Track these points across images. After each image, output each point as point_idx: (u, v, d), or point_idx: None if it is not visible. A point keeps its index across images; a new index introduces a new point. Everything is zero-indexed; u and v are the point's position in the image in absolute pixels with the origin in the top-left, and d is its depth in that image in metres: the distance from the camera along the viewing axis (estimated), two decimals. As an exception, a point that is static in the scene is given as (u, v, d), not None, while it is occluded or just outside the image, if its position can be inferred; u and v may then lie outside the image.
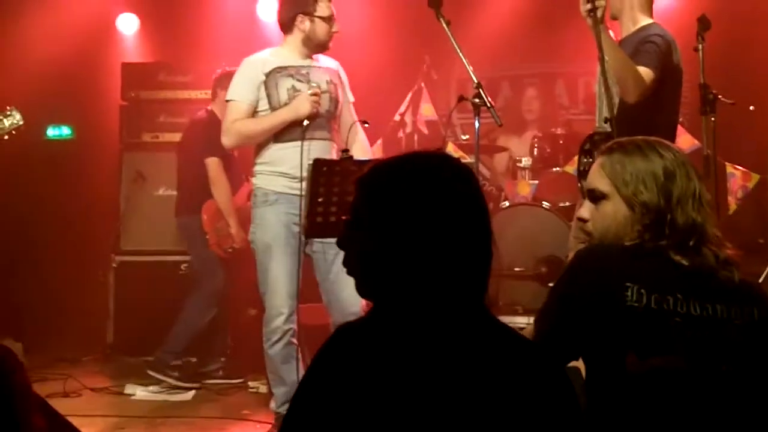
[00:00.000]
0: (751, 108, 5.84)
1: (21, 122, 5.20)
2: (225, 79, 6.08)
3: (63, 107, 7.48)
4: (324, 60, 4.72)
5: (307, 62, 4.62)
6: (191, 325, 5.97)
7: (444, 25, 4.33)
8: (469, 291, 1.76)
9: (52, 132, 7.54)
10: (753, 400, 2.11)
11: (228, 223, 5.88)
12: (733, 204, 5.80)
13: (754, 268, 5.81)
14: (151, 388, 5.79)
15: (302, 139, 4.42)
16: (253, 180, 4.69)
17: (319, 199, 3.61)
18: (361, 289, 1.83)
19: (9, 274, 6.94)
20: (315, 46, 4.63)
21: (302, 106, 4.44)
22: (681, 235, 2.17)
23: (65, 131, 7.57)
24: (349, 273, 1.84)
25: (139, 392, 5.74)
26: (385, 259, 1.75)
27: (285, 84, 4.54)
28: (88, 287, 6.93)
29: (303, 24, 4.59)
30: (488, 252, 1.79)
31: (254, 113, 4.57)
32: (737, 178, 5.84)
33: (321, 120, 4.53)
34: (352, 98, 4.83)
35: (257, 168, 4.65)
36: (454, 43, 4.32)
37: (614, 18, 4.26)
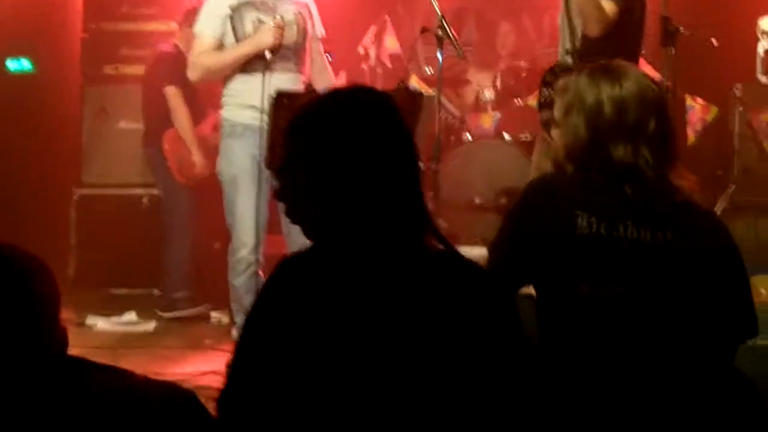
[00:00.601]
0: (714, 41, 5.87)
1: None
2: (192, 15, 6.04)
3: (23, 39, 7.30)
4: None
5: None
6: (180, 253, 6.00)
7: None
8: (406, 219, 1.79)
9: (11, 65, 7.37)
10: (698, 328, 2.17)
11: (190, 151, 5.88)
12: (691, 136, 5.87)
13: (711, 198, 5.93)
14: (113, 319, 5.81)
15: (265, 70, 4.40)
16: (221, 111, 4.67)
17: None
18: (308, 232, 1.85)
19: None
20: None
21: (265, 38, 4.40)
22: (616, 167, 2.20)
23: (25, 64, 7.41)
24: (294, 221, 1.85)
25: (101, 323, 5.76)
26: (322, 199, 1.77)
27: (250, 16, 4.49)
28: (50, 221, 6.90)
29: None
30: (416, 179, 1.82)
31: (221, 47, 4.53)
32: (696, 110, 5.90)
33: (287, 52, 4.49)
34: (322, 33, 4.78)
35: (224, 99, 4.63)
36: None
37: None
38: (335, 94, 1.91)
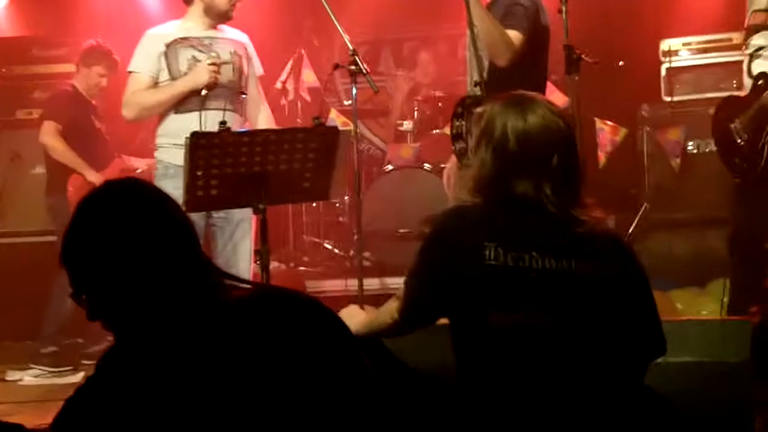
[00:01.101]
0: (620, 63, 6.04)
1: None
2: (90, 54, 6.00)
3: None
4: (229, 31, 4.65)
5: (210, 33, 4.55)
6: (59, 308, 5.78)
7: (321, -7, 4.37)
8: (194, 282, 1.92)
9: None
10: (607, 350, 2.22)
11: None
12: (602, 158, 6.01)
13: (626, 216, 6.07)
14: (36, 371, 5.66)
15: (201, 109, 4.38)
16: (156, 153, 4.62)
17: (198, 173, 3.58)
18: (94, 317, 1.95)
19: None
20: (216, 16, 4.54)
21: (200, 76, 4.38)
22: (519, 201, 2.25)
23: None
24: (80, 304, 1.95)
25: (27, 378, 5.62)
26: (113, 291, 1.88)
27: (185, 54, 4.47)
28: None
29: None
30: (190, 245, 1.96)
31: (155, 85, 4.51)
32: (606, 132, 6.05)
33: (223, 90, 4.45)
34: (260, 71, 4.79)
35: (158, 141, 4.58)
36: (329, 10, 4.37)
37: None
38: (101, 191, 2.00)
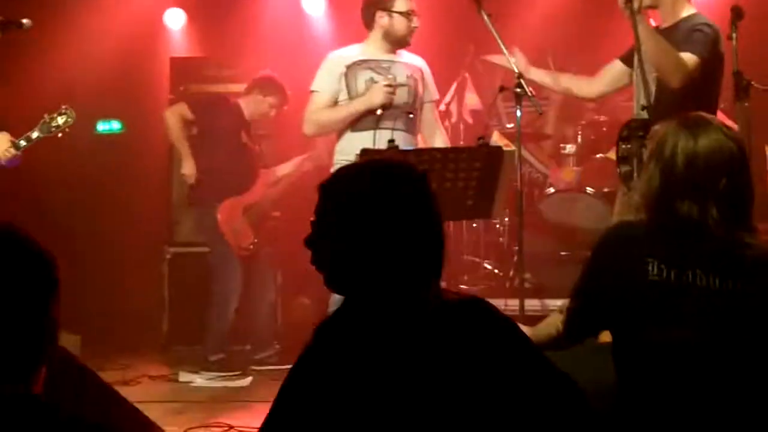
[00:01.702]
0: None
1: (74, 119, 5.35)
2: (268, 84, 6.22)
3: (113, 102, 7.59)
4: (407, 56, 4.88)
5: (389, 57, 4.79)
6: (220, 319, 6.03)
7: (485, 18, 4.45)
8: (425, 280, 1.96)
9: (102, 127, 7.62)
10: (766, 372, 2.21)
11: (244, 223, 6.00)
12: (772, 183, 5.83)
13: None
14: (207, 375, 5.90)
15: (375, 128, 4.55)
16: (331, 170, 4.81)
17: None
18: (330, 283, 2.01)
19: (66, 268, 7.10)
20: (395, 41, 4.80)
21: (376, 96, 4.59)
22: (684, 222, 2.26)
23: (115, 126, 7.64)
24: (318, 269, 2.01)
25: (198, 380, 5.87)
26: (350, 257, 1.94)
27: (364, 76, 4.72)
28: (144, 279, 7.10)
29: (382, 19, 4.76)
30: (438, 244, 2.00)
31: (335, 104, 4.74)
32: (776, 159, 5.87)
33: (397, 111, 4.67)
34: (435, 96, 4.98)
35: (335, 158, 4.80)
36: (495, 35, 4.44)
37: (653, 7, 4.32)
38: (372, 164, 2.09)
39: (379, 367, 1.86)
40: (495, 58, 4.56)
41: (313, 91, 4.80)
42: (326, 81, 4.75)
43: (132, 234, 7.43)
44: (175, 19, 7.98)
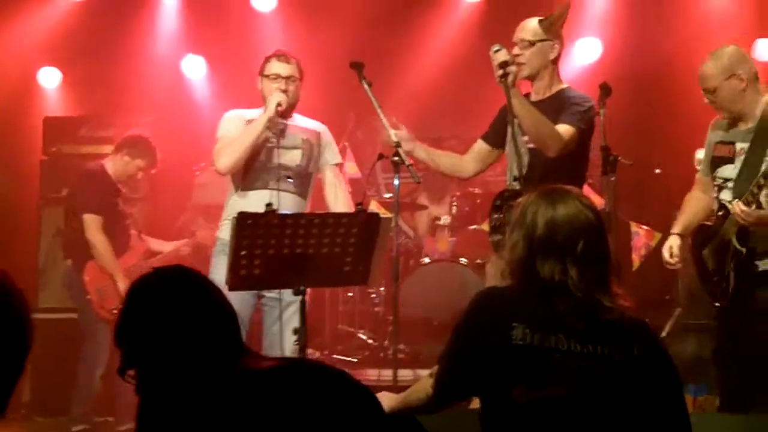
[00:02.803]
0: (657, 171, 6.12)
1: None
2: (136, 145, 6.07)
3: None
4: (303, 120, 4.83)
5: (283, 120, 4.70)
6: (86, 387, 5.89)
7: (365, 86, 4.51)
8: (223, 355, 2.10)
9: (-31, 187, 7.44)
10: (630, 427, 2.30)
11: (112, 284, 5.83)
12: (636, 261, 6.04)
13: (659, 322, 6.06)
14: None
15: (264, 188, 4.56)
16: (217, 232, 4.76)
17: (243, 252, 3.68)
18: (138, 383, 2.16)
19: None
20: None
21: (270, 101, 4.56)
22: (546, 283, 2.37)
23: (-18, 185, 7.48)
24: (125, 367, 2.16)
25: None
26: (150, 358, 2.10)
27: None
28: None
29: (259, 83, 4.74)
30: (222, 323, 2.16)
31: None
32: (641, 236, 6.09)
33: (287, 173, 4.63)
34: (337, 159, 4.95)
35: (222, 220, 4.72)
36: (374, 103, 4.50)
37: (529, 78, 4.46)
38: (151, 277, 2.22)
39: None
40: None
41: (219, 137, 4.69)
42: (231, 128, 4.68)
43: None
44: (50, 78, 7.85)
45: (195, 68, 7.88)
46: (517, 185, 3.93)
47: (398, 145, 4.44)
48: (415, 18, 7.47)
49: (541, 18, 4.44)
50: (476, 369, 2.37)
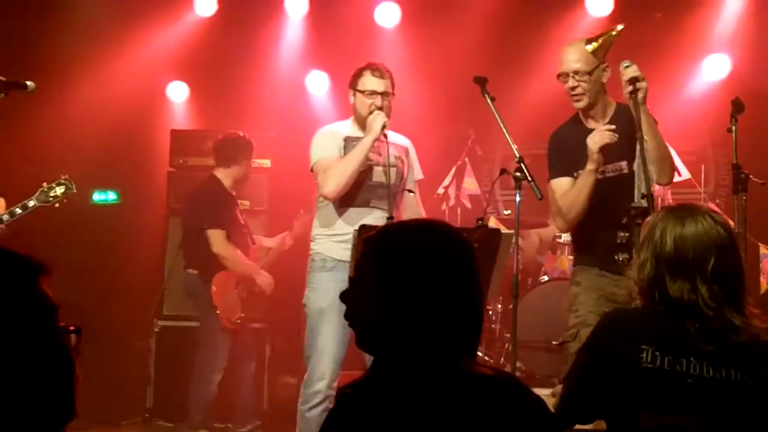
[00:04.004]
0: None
1: (73, 190, 5.26)
2: (244, 147, 6.26)
3: (111, 173, 7.63)
4: (393, 136, 4.76)
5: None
6: (203, 393, 5.99)
7: (488, 102, 4.45)
8: (459, 346, 1.89)
9: (98, 197, 7.63)
10: None
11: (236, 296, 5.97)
12: (765, 284, 5.82)
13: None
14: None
15: (361, 206, 4.55)
16: (312, 245, 4.72)
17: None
18: (360, 342, 1.97)
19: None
20: (360, 121, 4.70)
21: (376, 123, 4.52)
22: (676, 303, 2.28)
23: (111, 196, 7.65)
24: (351, 325, 1.98)
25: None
26: (386, 316, 1.89)
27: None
28: (131, 352, 7.01)
29: (351, 98, 4.73)
30: (477, 312, 1.94)
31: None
32: (770, 258, 5.86)
33: (383, 191, 4.60)
34: (420, 176, 4.92)
35: (316, 232, 4.71)
36: (498, 118, 4.43)
37: (588, 107, 4.38)
38: (422, 224, 2.05)
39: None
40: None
41: (317, 161, 4.65)
42: (328, 148, 4.65)
43: (122, 305, 7.35)
44: (178, 92, 8.06)
45: (318, 84, 7.97)
46: (644, 203, 3.81)
47: (521, 160, 4.37)
48: (539, 32, 7.38)
49: (588, 39, 4.30)
50: (602, 393, 2.31)
